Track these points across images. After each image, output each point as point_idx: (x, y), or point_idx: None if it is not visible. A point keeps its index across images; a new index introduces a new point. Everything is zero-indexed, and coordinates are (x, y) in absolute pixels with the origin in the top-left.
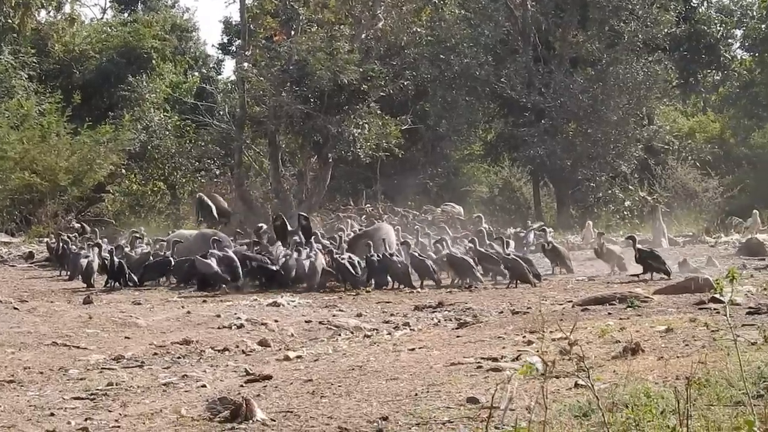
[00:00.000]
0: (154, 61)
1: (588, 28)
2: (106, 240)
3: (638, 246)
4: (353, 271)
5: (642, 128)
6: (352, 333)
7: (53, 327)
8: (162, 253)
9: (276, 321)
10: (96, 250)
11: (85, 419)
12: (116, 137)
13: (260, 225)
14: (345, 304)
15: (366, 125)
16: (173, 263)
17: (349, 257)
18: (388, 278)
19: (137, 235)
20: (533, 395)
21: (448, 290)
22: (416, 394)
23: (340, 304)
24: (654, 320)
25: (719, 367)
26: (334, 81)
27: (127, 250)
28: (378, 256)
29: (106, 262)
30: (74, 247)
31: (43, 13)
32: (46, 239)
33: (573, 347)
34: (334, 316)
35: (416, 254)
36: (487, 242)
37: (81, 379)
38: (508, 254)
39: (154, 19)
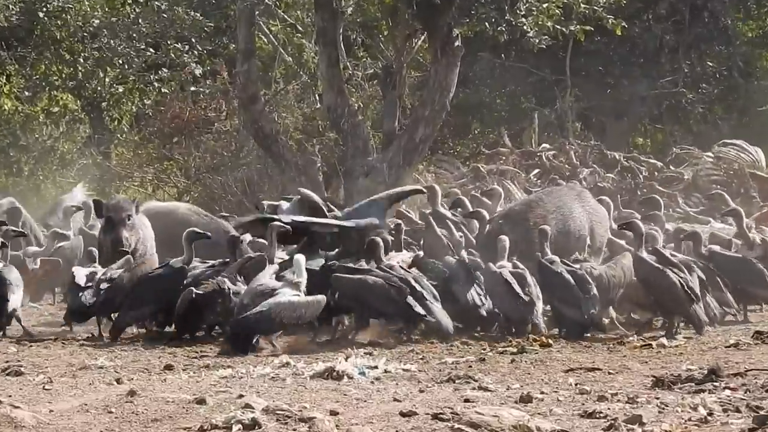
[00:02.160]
0: None
1: None
2: None
3: None
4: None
5: None
6: None
7: None
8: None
9: (334, 413)
10: None
11: None
12: None
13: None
14: (493, 375)
15: None
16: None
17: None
18: None
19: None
20: None
21: (728, 343)
22: None
23: (482, 373)
24: None
25: None
26: None
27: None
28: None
29: None
30: None
31: None
32: None
33: None
34: (467, 401)
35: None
36: None
37: None
38: None
39: None
